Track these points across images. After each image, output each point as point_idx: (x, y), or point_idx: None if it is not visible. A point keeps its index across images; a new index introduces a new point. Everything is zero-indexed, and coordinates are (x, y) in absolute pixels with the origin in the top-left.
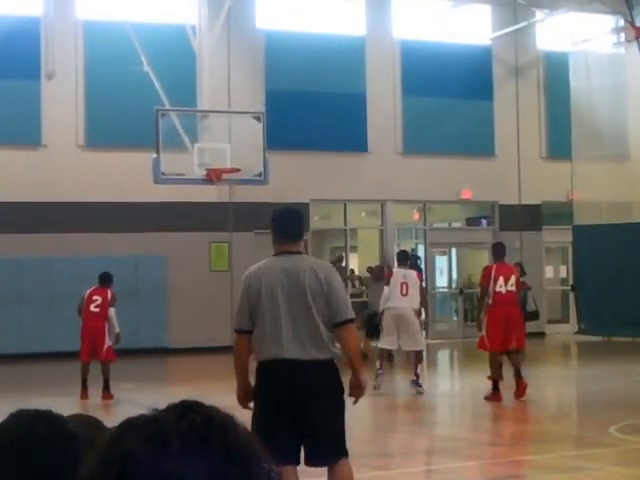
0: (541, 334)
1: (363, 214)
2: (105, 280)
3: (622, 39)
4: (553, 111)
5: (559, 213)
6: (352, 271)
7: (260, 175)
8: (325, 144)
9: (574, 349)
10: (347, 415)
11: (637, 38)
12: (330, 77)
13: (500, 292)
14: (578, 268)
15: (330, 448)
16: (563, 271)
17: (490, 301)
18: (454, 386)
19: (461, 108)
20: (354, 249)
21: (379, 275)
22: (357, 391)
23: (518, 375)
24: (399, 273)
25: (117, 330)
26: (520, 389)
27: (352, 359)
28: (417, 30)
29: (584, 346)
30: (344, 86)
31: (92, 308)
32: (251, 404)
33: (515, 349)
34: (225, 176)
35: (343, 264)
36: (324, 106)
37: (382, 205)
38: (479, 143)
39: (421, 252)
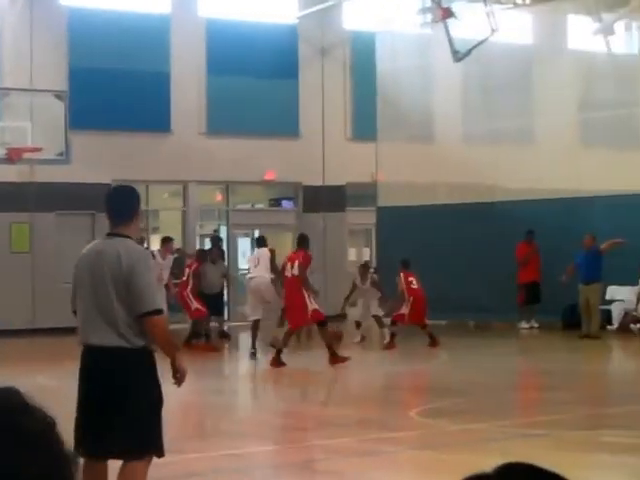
0: (344, 316)
1: (165, 195)
2: None
3: (429, 20)
4: (359, 92)
5: (363, 194)
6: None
7: (62, 155)
8: (128, 123)
9: (376, 332)
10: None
11: (444, 19)
12: (134, 56)
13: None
14: (381, 250)
15: (122, 442)
16: (367, 253)
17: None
18: (249, 369)
19: (266, 88)
20: (156, 230)
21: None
22: (177, 377)
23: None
24: None
25: None
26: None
27: (163, 350)
28: (223, 8)
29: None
30: (148, 65)
31: None
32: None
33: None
34: (26, 155)
35: (145, 246)
36: (128, 85)
37: (184, 186)
38: (283, 123)
39: (224, 234)
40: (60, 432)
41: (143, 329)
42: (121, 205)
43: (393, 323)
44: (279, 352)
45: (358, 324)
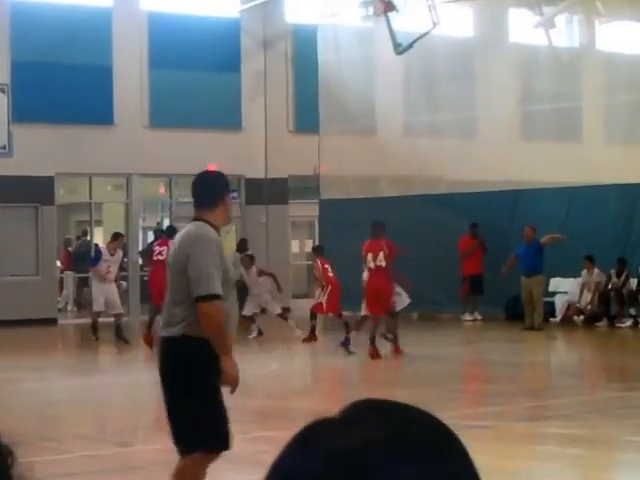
0: (286, 309)
1: (109, 188)
2: None
3: (370, 13)
4: (301, 85)
5: (306, 187)
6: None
7: (4, 148)
8: (71, 117)
9: (319, 324)
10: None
11: (385, 13)
12: (77, 49)
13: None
14: (324, 242)
15: (176, 435)
16: (309, 245)
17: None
18: None
19: (209, 81)
20: (99, 223)
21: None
22: (226, 380)
23: (395, 339)
24: None
25: None
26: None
27: (212, 342)
28: (165, 2)
29: (329, 321)
30: (91, 58)
31: None
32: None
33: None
34: None
35: (88, 238)
36: (70, 78)
37: (128, 179)
38: (226, 116)
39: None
40: None
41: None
42: (204, 191)
43: (313, 315)
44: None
45: (252, 319)
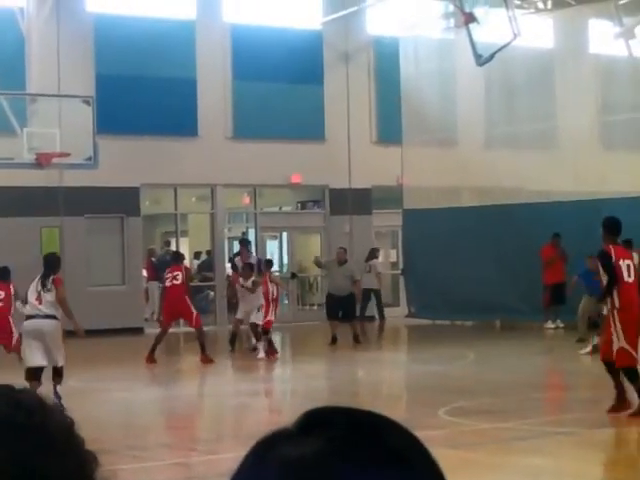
0: (372, 317)
1: (193, 199)
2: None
3: (452, 25)
4: (383, 96)
5: (389, 197)
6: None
7: (90, 159)
8: (155, 128)
9: (404, 333)
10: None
11: (466, 24)
12: (160, 61)
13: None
14: (407, 252)
15: None
16: (393, 255)
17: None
18: (287, 370)
19: (291, 93)
20: (184, 234)
21: (343, 259)
22: None
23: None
24: None
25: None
26: None
27: None
28: (248, 14)
29: (414, 330)
30: (174, 70)
31: None
32: None
33: None
34: (55, 160)
35: (172, 248)
36: (154, 90)
37: (212, 189)
38: (309, 127)
39: (252, 236)
40: (79, 431)
41: None
42: None
43: (266, 332)
44: None
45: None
